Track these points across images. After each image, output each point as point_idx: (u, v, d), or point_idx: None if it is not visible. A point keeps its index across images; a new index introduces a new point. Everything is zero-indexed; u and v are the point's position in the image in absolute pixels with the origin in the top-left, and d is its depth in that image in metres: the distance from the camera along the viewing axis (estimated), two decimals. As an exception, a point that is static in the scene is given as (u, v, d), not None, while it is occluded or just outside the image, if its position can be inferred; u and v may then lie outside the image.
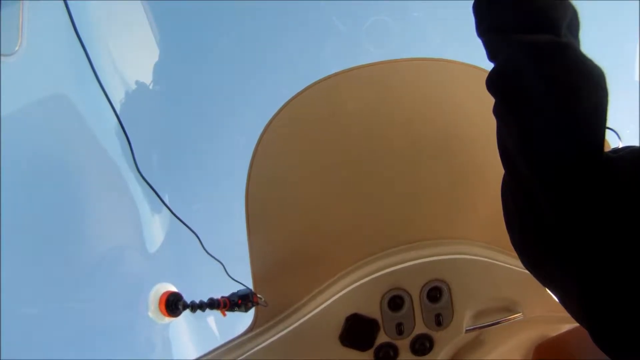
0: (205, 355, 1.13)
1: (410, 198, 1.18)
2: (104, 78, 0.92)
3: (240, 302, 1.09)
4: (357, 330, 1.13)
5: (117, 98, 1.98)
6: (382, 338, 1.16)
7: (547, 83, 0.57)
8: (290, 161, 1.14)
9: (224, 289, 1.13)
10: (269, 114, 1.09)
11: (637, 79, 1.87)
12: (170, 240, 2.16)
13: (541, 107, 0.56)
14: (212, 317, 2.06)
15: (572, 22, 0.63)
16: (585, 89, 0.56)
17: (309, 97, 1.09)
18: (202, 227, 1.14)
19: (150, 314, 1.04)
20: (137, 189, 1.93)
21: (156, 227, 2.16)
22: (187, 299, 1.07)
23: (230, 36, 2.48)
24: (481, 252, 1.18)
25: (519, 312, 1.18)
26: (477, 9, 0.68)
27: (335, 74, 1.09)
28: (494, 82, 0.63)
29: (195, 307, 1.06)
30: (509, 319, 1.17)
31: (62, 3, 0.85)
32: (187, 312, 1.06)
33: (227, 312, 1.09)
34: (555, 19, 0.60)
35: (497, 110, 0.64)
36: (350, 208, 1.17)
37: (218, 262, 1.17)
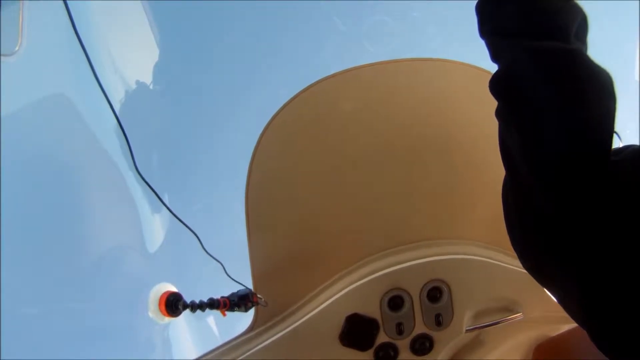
0: (205, 355, 1.13)
1: (410, 198, 1.18)
2: (103, 78, 0.92)
3: (240, 302, 1.09)
4: (357, 330, 1.13)
5: (117, 98, 1.99)
6: (382, 338, 1.16)
7: (552, 89, 0.56)
8: (290, 161, 1.14)
9: (224, 289, 1.13)
10: (268, 114, 1.09)
11: (637, 78, 1.87)
12: (170, 240, 2.16)
13: (546, 112, 0.56)
14: (212, 317, 2.06)
15: (581, 27, 0.61)
16: (591, 95, 0.55)
17: (309, 97, 1.09)
18: (202, 227, 1.14)
19: (150, 314, 1.04)
20: (137, 189, 1.93)
21: (156, 227, 2.16)
22: (187, 299, 1.07)
23: (230, 36, 2.48)
24: (481, 252, 1.18)
25: (519, 312, 1.18)
26: (481, 9, 0.66)
27: (335, 75, 1.09)
28: (497, 85, 0.63)
29: (195, 307, 1.06)
30: (509, 319, 1.17)
31: (62, 3, 0.85)
32: (187, 312, 1.06)
33: (227, 312, 1.09)
34: (564, 25, 0.59)
35: (500, 113, 0.64)
36: (350, 208, 1.17)
37: (218, 262, 1.17)
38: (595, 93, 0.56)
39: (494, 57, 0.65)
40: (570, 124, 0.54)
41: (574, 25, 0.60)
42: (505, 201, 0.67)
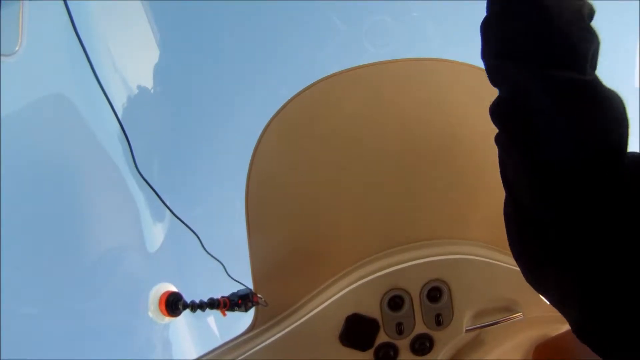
0: (205, 355, 1.13)
1: (411, 198, 1.18)
2: (103, 78, 0.92)
3: (240, 302, 1.09)
4: (357, 330, 1.13)
5: (117, 98, 1.98)
6: (382, 338, 1.16)
7: (566, 121, 0.53)
8: (290, 161, 1.14)
9: (224, 289, 1.13)
10: (268, 114, 1.09)
11: (637, 85, 1.86)
12: (170, 240, 2.16)
13: (558, 143, 0.54)
14: (212, 317, 2.06)
15: (595, 54, 0.58)
16: (607, 126, 0.53)
17: (309, 97, 1.09)
18: (202, 227, 1.14)
19: (150, 313, 1.04)
20: (137, 189, 1.93)
21: (156, 227, 2.16)
22: (187, 299, 1.07)
23: (230, 36, 2.48)
24: (481, 252, 1.18)
25: (519, 312, 1.18)
26: (487, 29, 0.61)
27: (335, 74, 1.09)
28: (501, 113, 0.60)
29: (195, 307, 1.06)
30: (509, 319, 1.17)
31: (62, 3, 0.85)
32: (187, 312, 1.06)
33: (227, 312, 1.09)
34: (581, 52, 0.55)
35: (500, 140, 0.62)
36: (350, 208, 1.17)
37: (218, 262, 1.17)
38: (610, 123, 0.54)
39: (497, 81, 0.61)
40: (585, 153, 0.52)
41: (590, 53, 0.56)
42: (506, 207, 0.67)
